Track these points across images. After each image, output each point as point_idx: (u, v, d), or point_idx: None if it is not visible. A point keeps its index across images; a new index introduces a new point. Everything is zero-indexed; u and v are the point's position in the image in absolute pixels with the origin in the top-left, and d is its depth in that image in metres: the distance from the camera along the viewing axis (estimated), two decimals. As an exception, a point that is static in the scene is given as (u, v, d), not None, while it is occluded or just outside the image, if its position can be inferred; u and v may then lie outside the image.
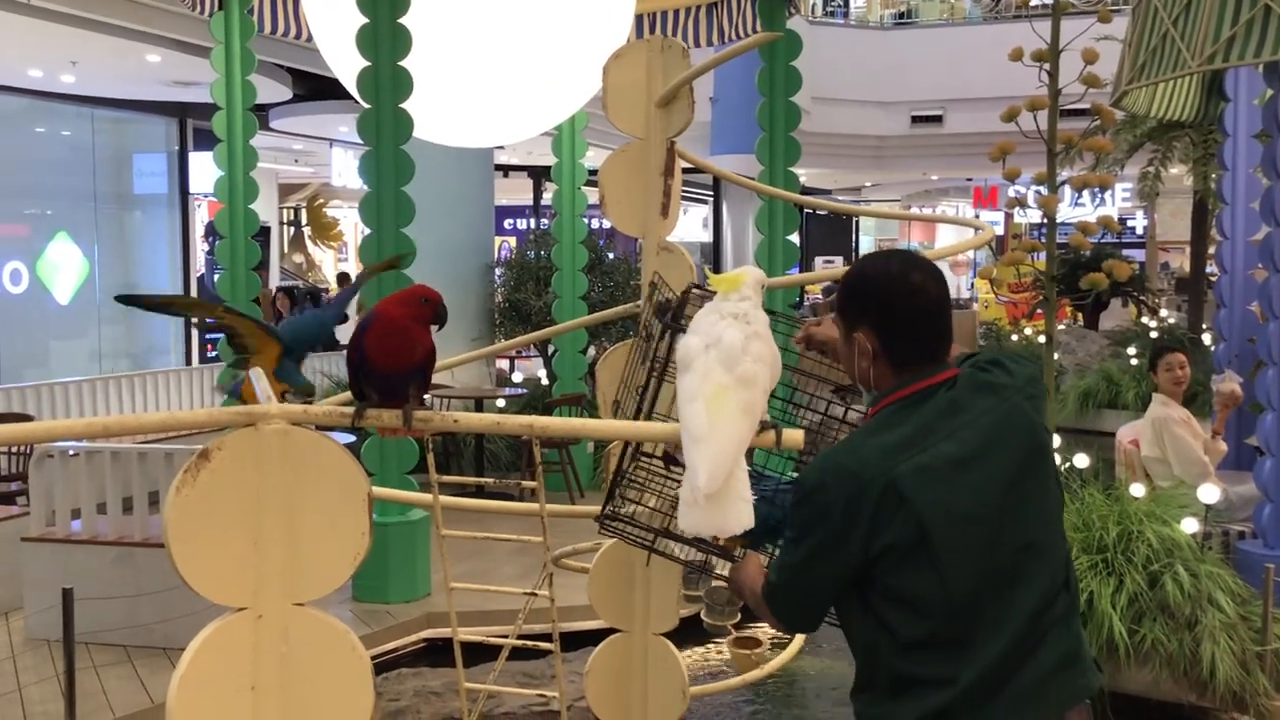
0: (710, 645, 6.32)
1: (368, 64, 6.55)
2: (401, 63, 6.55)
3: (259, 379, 2.49)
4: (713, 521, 1.99)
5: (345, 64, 7.55)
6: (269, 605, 2.06)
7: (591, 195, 10.73)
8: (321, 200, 24.97)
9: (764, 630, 4.24)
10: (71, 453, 6.19)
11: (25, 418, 8.49)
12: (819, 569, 2.08)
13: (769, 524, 2.49)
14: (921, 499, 1.99)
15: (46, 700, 5.30)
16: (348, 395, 2.48)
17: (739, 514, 1.98)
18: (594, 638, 4.69)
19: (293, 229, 25.17)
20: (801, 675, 6.15)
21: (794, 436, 2.12)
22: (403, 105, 6.61)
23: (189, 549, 2.01)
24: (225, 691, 2.03)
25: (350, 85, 7.47)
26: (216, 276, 15.53)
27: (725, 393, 2.00)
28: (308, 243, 25.61)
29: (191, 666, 2.02)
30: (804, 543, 2.08)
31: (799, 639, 4.06)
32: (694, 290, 2.96)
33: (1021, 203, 6.65)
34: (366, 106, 6.63)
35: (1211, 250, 14.87)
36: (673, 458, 2.76)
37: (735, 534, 1.99)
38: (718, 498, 1.95)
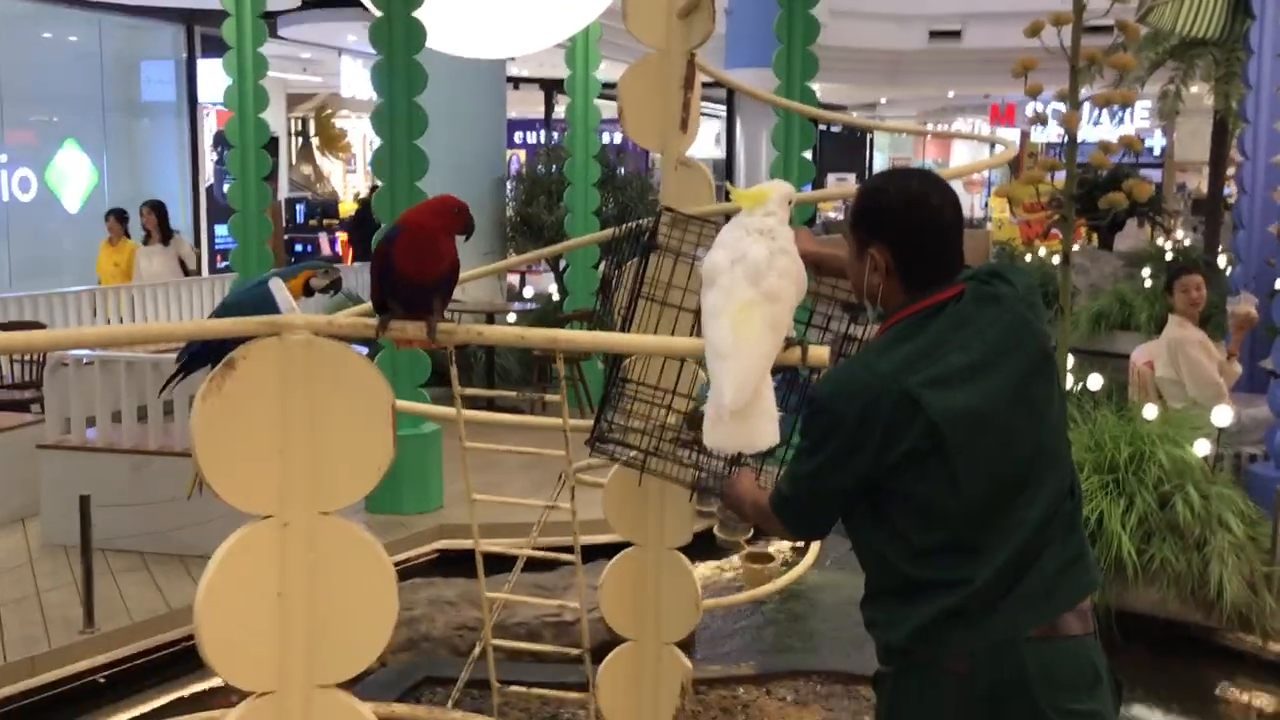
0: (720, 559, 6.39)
1: (380, -30, 6.44)
2: (413, -30, 6.44)
3: (279, 290, 2.49)
4: (738, 439, 2.00)
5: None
6: (295, 513, 2.07)
7: (605, 109, 10.62)
8: (330, 111, 24.72)
9: (775, 546, 4.30)
10: (86, 361, 6.21)
11: (37, 326, 8.51)
12: (833, 479, 2.11)
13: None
14: (936, 406, 2.02)
15: (65, 605, 5.37)
16: (368, 306, 2.47)
17: (765, 431, 1.99)
18: (606, 551, 4.77)
19: (300, 140, 24.94)
20: (810, 590, 6.21)
21: (819, 353, 2.12)
22: (415, 14, 6.51)
23: (216, 457, 2.02)
24: (251, 597, 2.06)
25: (362, -8, 7.37)
26: (226, 187, 15.49)
27: (751, 308, 2.00)
28: (316, 154, 25.40)
29: (218, 573, 2.04)
30: (818, 453, 2.10)
31: (810, 555, 4.09)
32: (666, 212, 3.00)
33: (1042, 119, 6.56)
34: (378, 14, 6.53)
35: (1230, 171, 14.73)
36: (700, 417, 2.73)
37: (761, 450, 1.99)
38: (743, 414, 1.96)
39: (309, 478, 2.07)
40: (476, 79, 11.06)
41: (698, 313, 3.18)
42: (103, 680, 5.01)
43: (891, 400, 2.02)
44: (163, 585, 5.63)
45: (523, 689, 3.40)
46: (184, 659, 5.17)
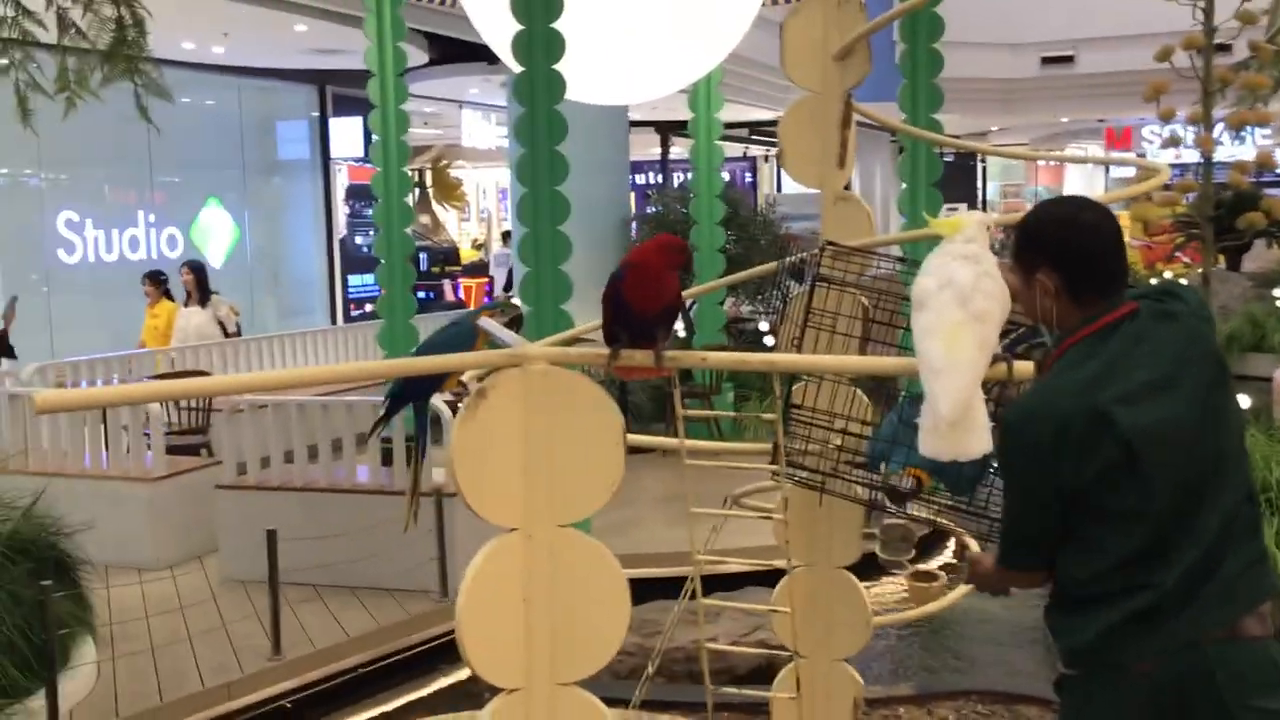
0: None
1: (522, 27, 6.74)
2: (553, 25, 6.74)
3: (495, 326, 2.72)
4: (955, 447, 2.16)
5: (493, 28, 7.79)
6: (537, 526, 2.29)
7: (727, 149, 10.86)
8: (446, 161, 25.40)
9: (940, 565, 4.43)
10: (260, 405, 6.59)
11: (202, 373, 8.98)
12: (1038, 502, 2.24)
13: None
14: (1127, 422, 2.15)
15: (250, 635, 5.70)
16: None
17: (979, 440, 2.15)
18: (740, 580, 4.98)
19: (418, 190, 25.63)
20: (957, 616, 6.25)
21: (1024, 368, 2.27)
22: (555, 67, 6.80)
23: (471, 475, 2.25)
24: (502, 602, 2.28)
25: (499, 49, 7.70)
26: (359, 238, 16.09)
27: (961, 329, 2.17)
28: (433, 203, 26.09)
29: (474, 581, 2.26)
30: (1021, 480, 2.26)
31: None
32: (829, 246, 3.19)
33: (1176, 141, 6.61)
34: (520, 69, 6.83)
35: (1363, 187, 14.34)
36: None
37: (975, 458, 2.16)
38: (959, 425, 2.13)
39: (549, 494, 2.29)
40: (602, 124, 11.37)
41: (861, 339, 3.38)
42: (289, 705, 5.30)
43: (1083, 418, 2.15)
44: (338, 614, 5.93)
45: (733, 690, 3.57)
46: (367, 683, 5.47)
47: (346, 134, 15.32)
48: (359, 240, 16.03)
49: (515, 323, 3.36)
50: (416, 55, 12.86)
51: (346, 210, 16.00)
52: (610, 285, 2.44)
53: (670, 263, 2.45)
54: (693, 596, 4.02)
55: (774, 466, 3.01)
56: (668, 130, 20.21)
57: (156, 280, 10.41)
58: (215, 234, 14.45)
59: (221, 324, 10.55)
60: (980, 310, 2.19)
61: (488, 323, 2.88)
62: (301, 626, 5.78)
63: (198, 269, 10.46)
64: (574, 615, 2.31)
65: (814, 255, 3.28)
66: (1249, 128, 7.40)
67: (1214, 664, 2.20)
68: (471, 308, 18.81)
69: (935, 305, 2.20)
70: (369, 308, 15.56)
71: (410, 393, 3.01)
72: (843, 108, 3.83)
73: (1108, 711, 2.29)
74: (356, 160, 15.58)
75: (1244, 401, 6.38)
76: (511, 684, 2.30)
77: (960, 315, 2.17)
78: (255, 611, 5.95)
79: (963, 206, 26.39)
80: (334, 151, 15.35)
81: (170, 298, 10.41)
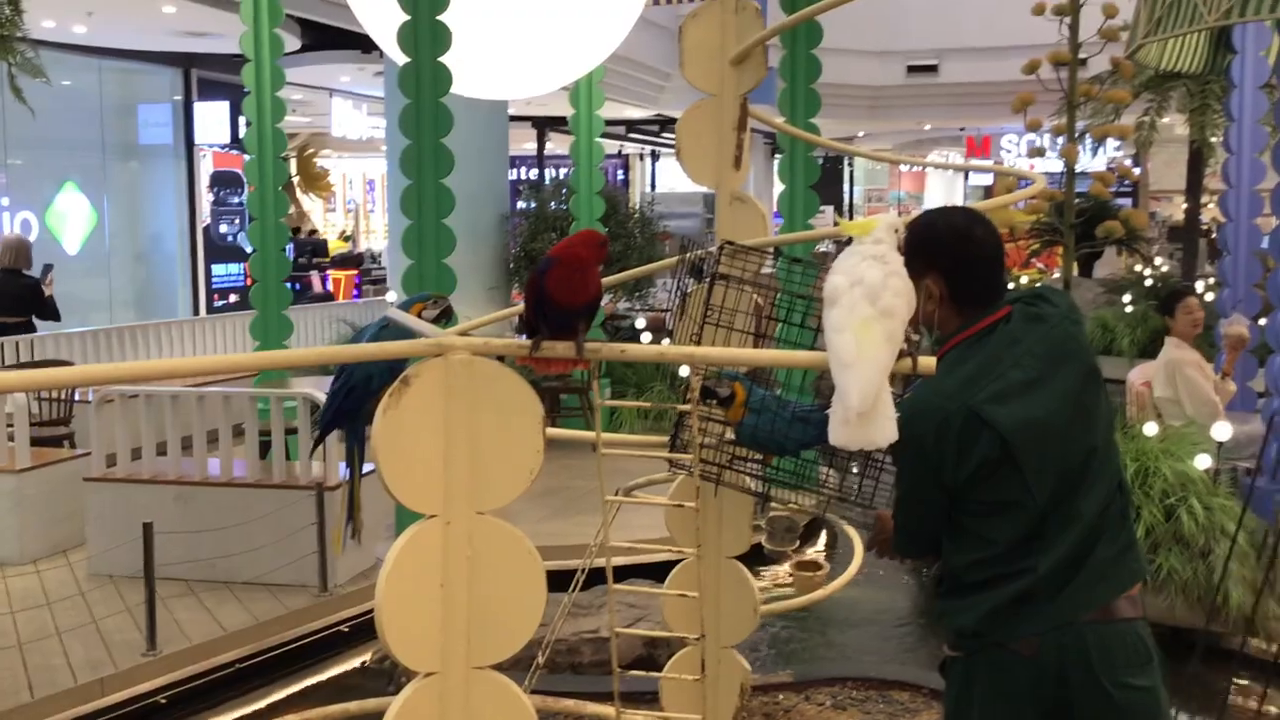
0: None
1: (408, 18, 6.69)
2: (439, 17, 6.71)
3: (412, 320, 2.74)
4: (863, 437, 2.27)
5: (375, 18, 7.72)
6: (456, 513, 2.33)
7: (608, 146, 10.90)
8: (311, 150, 24.95)
9: (823, 555, 4.58)
10: (131, 395, 6.41)
11: (64, 363, 8.68)
12: (923, 495, 2.40)
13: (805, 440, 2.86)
14: (1002, 420, 2.30)
15: (124, 630, 5.55)
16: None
17: (885, 429, 2.27)
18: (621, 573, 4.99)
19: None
20: (828, 606, 6.43)
21: (928, 363, 2.39)
22: (441, 59, 6.77)
23: (393, 463, 2.27)
24: (420, 588, 2.31)
25: (380, 40, 7.64)
26: (223, 228, 15.70)
27: (870, 324, 2.29)
28: (298, 192, 25.60)
29: (394, 566, 2.29)
30: (906, 475, 2.41)
31: (855, 563, 4.35)
32: (726, 245, 3.31)
33: (1041, 152, 6.91)
34: (406, 60, 6.78)
35: (1205, 200, 15.17)
36: (710, 390, 3.05)
37: (881, 447, 2.27)
38: (868, 416, 2.24)
39: (469, 481, 2.33)
40: (481, 117, 11.33)
41: (755, 335, 3.48)
42: (164, 700, 5.19)
43: (961, 418, 2.30)
44: (213, 609, 5.82)
45: (640, 673, 3.63)
46: (244, 678, 5.39)
47: (211, 119, 14.93)
48: (224, 229, 15.63)
49: (445, 314, 3.33)
50: (288, 41, 12.61)
51: (210, 198, 15.58)
52: (534, 278, 2.49)
53: (596, 257, 2.52)
54: (583, 588, 4.11)
55: (681, 456, 3.09)
56: (544, 125, 20.20)
57: None
58: (72, 219, 13.94)
59: None
60: (888, 306, 2.31)
61: (397, 314, 2.89)
62: (175, 622, 5.65)
63: None
64: (490, 600, 2.35)
65: (712, 254, 3.38)
66: (1123, 139, 7.78)
67: (1089, 643, 2.35)
68: (340, 300, 18.52)
69: (846, 302, 2.31)
70: (233, 298, 15.18)
71: (340, 415, 2.92)
72: (739, 111, 3.95)
73: (991, 690, 2.42)
74: (222, 146, 15.19)
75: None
76: (428, 667, 2.33)
77: (870, 311, 2.29)
78: (127, 607, 5.80)
79: (830, 209, 27.04)
80: (198, 137, 14.94)
81: None
